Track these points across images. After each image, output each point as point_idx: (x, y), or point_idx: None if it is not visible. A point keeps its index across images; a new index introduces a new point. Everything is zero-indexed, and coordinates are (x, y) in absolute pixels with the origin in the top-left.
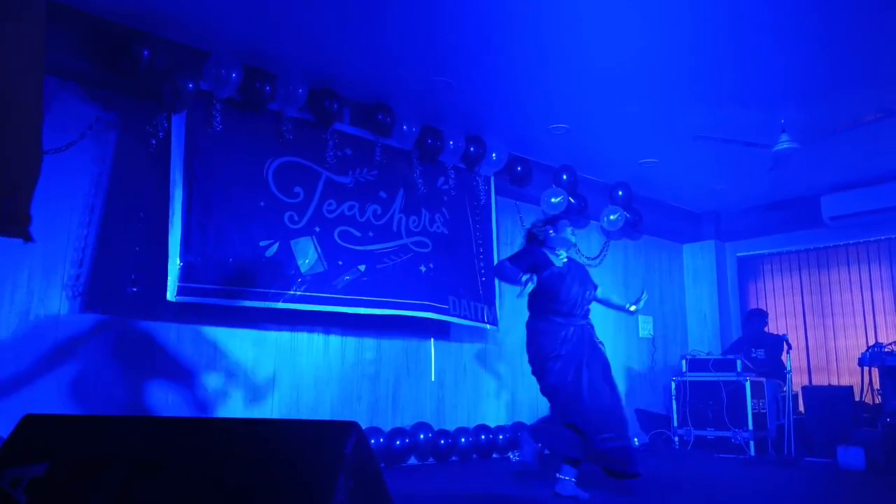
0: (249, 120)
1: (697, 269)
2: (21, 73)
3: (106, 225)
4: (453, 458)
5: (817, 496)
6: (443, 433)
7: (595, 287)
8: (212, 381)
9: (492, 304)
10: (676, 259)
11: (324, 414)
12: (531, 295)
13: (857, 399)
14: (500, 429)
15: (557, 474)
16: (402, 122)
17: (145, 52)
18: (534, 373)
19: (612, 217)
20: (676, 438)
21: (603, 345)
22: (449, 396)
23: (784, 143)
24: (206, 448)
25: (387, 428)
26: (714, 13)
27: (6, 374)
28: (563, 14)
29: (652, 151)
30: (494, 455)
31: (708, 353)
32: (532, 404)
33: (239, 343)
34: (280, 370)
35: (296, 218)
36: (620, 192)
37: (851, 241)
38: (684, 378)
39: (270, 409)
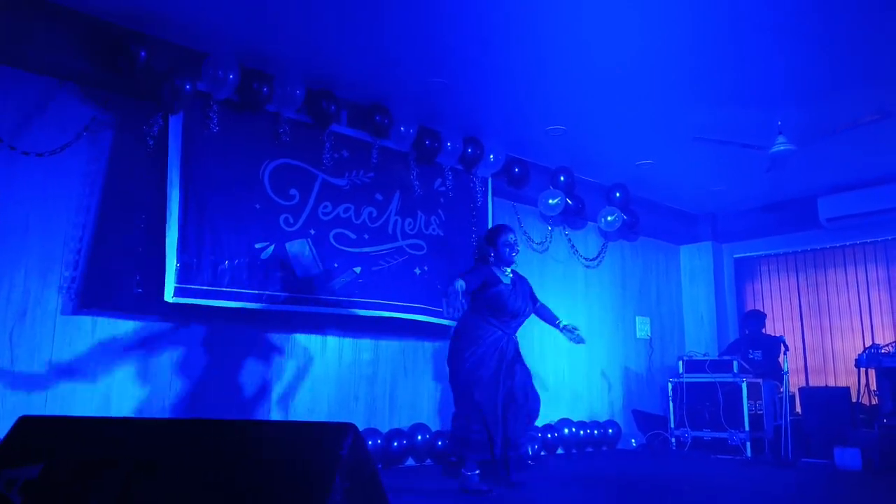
0: (246, 121)
1: (694, 271)
2: None
3: (101, 225)
4: (451, 458)
5: (813, 497)
6: (440, 434)
7: (535, 302)
8: (208, 381)
9: None
10: (673, 260)
11: (321, 415)
12: (473, 295)
13: (853, 400)
14: None
15: (462, 470)
16: (400, 124)
17: (142, 53)
18: (449, 362)
19: (609, 218)
20: (673, 439)
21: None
22: (446, 397)
23: (780, 144)
24: (203, 449)
25: (384, 429)
26: (711, 14)
27: (3, 374)
28: (561, 16)
29: (649, 153)
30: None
31: (705, 355)
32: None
33: (236, 344)
34: (276, 371)
35: (291, 220)
36: (618, 194)
37: (848, 243)
38: (681, 379)
39: (268, 410)
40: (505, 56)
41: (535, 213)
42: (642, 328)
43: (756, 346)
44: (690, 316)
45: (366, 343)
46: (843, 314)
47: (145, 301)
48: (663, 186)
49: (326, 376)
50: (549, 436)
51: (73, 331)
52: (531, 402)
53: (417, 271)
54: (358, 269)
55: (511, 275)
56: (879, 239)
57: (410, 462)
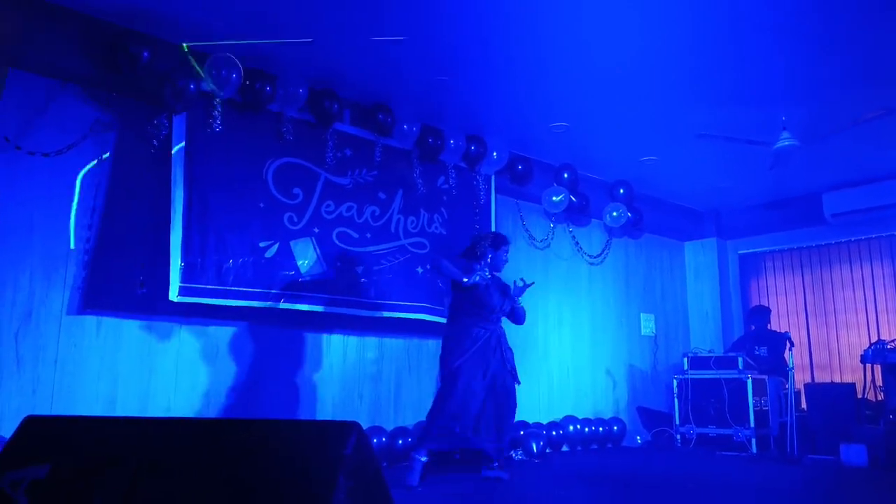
0: (249, 121)
1: (699, 267)
2: None
3: (106, 225)
4: (456, 456)
5: (820, 493)
6: None
7: (511, 299)
8: (212, 380)
9: None
10: (678, 257)
11: (325, 413)
12: (454, 301)
13: (859, 396)
14: None
15: (412, 452)
16: (403, 122)
17: (145, 53)
18: (440, 361)
19: (613, 214)
20: (679, 436)
21: (512, 351)
22: None
23: (785, 140)
24: (208, 449)
25: (389, 427)
26: (714, 13)
27: (9, 374)
28: (563, 13)
29: (653, 149)
30: None
31: (710, 351)
32: (531, 401)
33: (240, 343)
34: (280, 370)
35: (295, 219)
36: (622, 191)
37: (853, 238)
38: (686, 376)
39: (273, 409)
40: (507, 54)
41: (538, 211)
42: (647, 325)
43: (761, 343)
44: (695, 312)
45: (370, 342)
46: (848, 310)
47: (150, 301)
48: (667, 183)
49: (331, 375)
50: (553, 433)
51: (78, 331)
52: (511, 399)
53: (420, 270)
54: (360, 269)
55: (489, 275)
56: (885, 234)
57: None
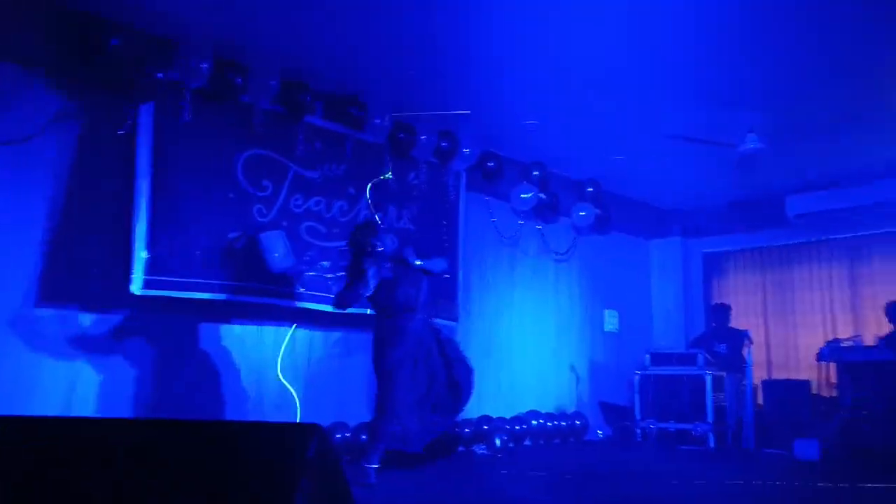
0: (219, 111)
1: (663, 265)
2: None
3: (68, 217)
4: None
5: (770, 486)
6: None
7: (423, 278)
8: (174, 376)
9: (453, 300)
10: (643, 255)
11: (291, 409)
12: (373, 296)
13: (814, 393)
14: (465, 422)
15: (363, 462)
16: (375, 116)
17: (113, 41)
18: (374, 360)
19: (582, 213)
20: (639, 431)
21: (451, 340)
22: None
23: (750, 142)
24: (164, 450)
25: (353, 422)
26: (684, 16)
27: None
28: (537, 10)
29: (622, 149)
30: (460, 448)
31: (671, 348)
32: (495, 395)
33: (204, 337)
34: (245, 365)
35: (264, 211)
36: (590, 189)
37: (813, 239)
38: (648, 372)
39: (237, 405)
40: (482, 50)
41: (507, 208)
42: (610, 321)
43: (721, 340)
44: (658, 310)
45: (336, 336)
46: (805, 310)
47: (111, 294)
48: (635, 182)
49: (296, 369)
50: (516, 427)
51: (36, 325)
52: (455, 389)
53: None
54: (326, 264)
55: (391, 264)
56: (842, 236)
57: None
